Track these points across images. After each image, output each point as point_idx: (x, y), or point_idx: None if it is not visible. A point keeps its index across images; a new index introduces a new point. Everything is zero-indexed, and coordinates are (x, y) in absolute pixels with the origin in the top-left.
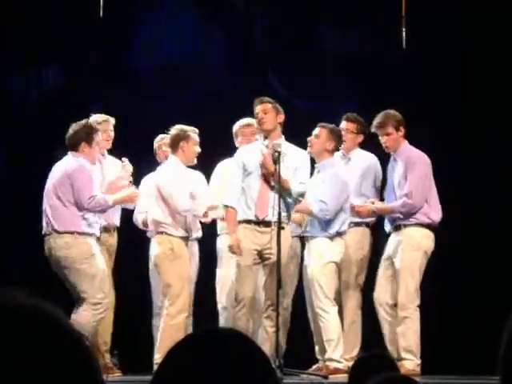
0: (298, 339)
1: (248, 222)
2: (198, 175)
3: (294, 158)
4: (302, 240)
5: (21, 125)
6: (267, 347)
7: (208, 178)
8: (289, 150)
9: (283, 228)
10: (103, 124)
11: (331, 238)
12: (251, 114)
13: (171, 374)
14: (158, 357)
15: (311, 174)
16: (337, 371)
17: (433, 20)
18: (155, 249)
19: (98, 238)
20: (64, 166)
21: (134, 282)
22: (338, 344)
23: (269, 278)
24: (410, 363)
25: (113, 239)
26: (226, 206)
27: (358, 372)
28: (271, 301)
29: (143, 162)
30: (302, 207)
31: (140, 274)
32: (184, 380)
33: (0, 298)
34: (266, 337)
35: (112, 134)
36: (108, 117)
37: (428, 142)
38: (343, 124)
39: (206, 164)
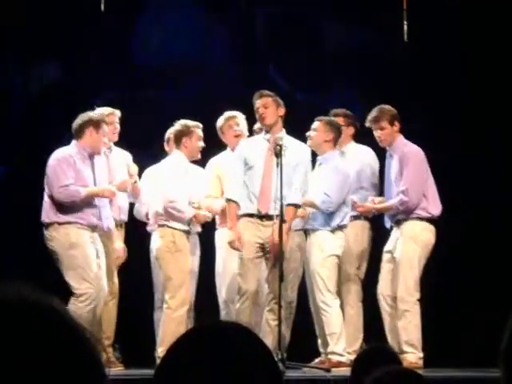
0: (301, 332)
1: (250, 215)
2: (200, 171)
3: (294, 153)
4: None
5: (21, 122)
6: (270, 340)
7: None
8: (290, 144)
9: (285, 221)
10: (110, 117)
11: (332, 231)
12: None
13: (173, 368)
14: (160, 350)
15: (312, 167)
16: (339, 364)
17: (434, 13)
18: (157, 242)
19: (94, 229)
20: (52, 155)
21: (135, 275)
22: (341, 337)
23: (271, 271)
24: (413, 356)
25: (120, 234)
26: (228, 200)
27: (360, 365)
28: (274, 294)
29: (144, 157)
30: (305, 200)
31: (141, 268)
32: (186, 374)
33: (2, 293)
34: (269, 330)
35: (118, 126)
36: (114, 109)
37: (428, 136)
38: None
39: (208, 159)
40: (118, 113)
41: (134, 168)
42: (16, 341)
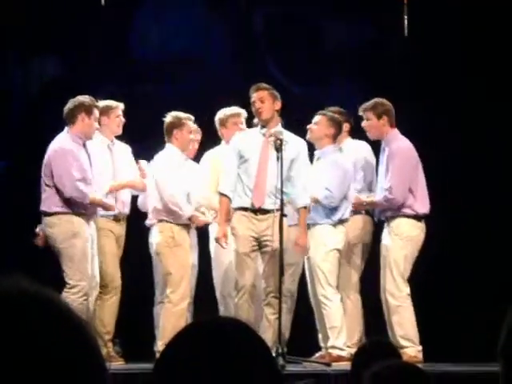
0: (301, 327)
1: (244, 209)
2: (195, 167)
3: (291, 148)
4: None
5: (21, 118)
6: (269, 335)
7: None
8: (288, 138)
9: (285, 215)
10: (115, 110)
11: (334, 225)
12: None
13: (172, 363)
14: (160, 344)
15: (310, 161)
16: (340, 359)
17: (435, 8)
18: (156, 237)
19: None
20: (51, 146)
21: (136, 269)
22: (341, 331)
23: (267, 265)
24: (412, 350)
25: (121, 229)
26: (221, 194)
27: (360, 359)
28: (270, 288)
29: (142, 151)
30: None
31: (141, 262)
32: (185, 369)
33: (1, 285)
34: (268, 324)
35: (123, 119)
36: (118, 103)
37: (427, 135)
38: None
39: (204, 152)
40: (121, 106)
41: (144, 163)
42: (16, 333)
